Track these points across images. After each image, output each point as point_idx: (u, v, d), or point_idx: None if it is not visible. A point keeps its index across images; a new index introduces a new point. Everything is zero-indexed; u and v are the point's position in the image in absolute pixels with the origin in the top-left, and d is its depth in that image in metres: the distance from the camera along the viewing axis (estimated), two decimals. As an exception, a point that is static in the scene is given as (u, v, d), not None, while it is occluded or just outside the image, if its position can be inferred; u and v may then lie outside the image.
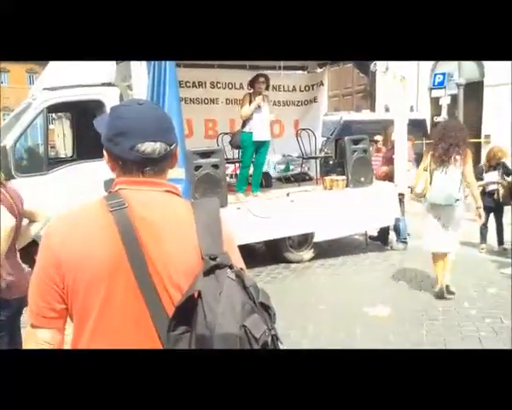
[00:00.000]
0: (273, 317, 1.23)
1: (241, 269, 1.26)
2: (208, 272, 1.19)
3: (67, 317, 1.28)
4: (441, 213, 4.81)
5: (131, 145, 1.24)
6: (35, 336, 1.26)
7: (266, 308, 1.21)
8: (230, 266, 1.22)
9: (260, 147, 6.33)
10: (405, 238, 7.27)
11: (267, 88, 6.50)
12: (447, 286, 5.00)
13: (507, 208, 6.89)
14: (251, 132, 6.22)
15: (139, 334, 1.23)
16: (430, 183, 4.76)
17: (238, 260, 1.34)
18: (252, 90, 6.42)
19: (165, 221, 1.26)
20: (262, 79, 6.34)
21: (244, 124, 6.35)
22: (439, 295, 5.01)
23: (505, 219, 7.02)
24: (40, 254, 1.26)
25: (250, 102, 6.25)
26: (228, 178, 7.07)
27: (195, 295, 1.16)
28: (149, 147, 1.25)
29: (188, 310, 1.16)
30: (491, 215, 6.82)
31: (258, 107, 6.21)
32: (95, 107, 5.70)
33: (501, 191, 6.46)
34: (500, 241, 6.89)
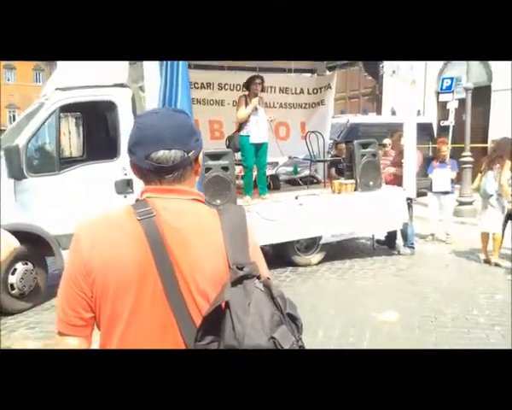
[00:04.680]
0: (300, 328, 1.23)
1: (268, 279, 1.27)
2: (236, 282, 1.19)
3: (94, 325, 1.29)
4: (484, 203, 6.60)
5: (146, 154, 1.25)
6: (63, 344, 1.26)
7: (294, 319, 1.22)
8: (258, 277, 1.23)
9: (259, 149, 6.31)
10: (413, 243, 7.26)
11: (262, 90, 6.47)
12: (496, 263, 6.54)
13: None
14: (248, 135, 6.21)
15: (166, 342, 1.24)
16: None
17: (264, 270, 1.34)
18: (247, 92, 6.37)
19: (193, 229, 1.27)
20: (258, 81, 6.29)
21: (240, 127, 6.32)
22: (485, 262, 6.70)
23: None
24: (69, 258, 1.27)
25: (246, 104, 6.22)
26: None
27: (223, 305, 1.17)
28: (163, 155, 1.25)
29: (215, 320, 1.16)
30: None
31: (255, 109, 6.19)
32: (106, 107, 5.72)
33: None
34: None
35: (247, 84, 6.38)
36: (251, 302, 1.16)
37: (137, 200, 1.32)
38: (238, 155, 7.05)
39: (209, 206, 1.36)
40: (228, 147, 6.76)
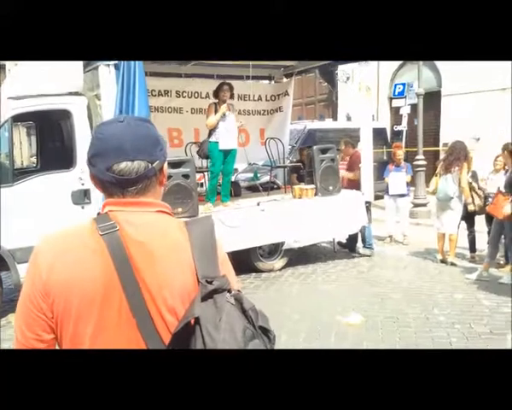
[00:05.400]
0: (273, 340, 1.21)
1: (239, 291, 1.24)
2: (206, 296, 1.15)
3: (56, 346, 1.22)
4: (443, 205, 6.70)
5: (107, 166, 1.19)
6: None
7: (266, 332, 1.19)
8: (229, 290, 1.20)
9: (227, 156, 6.34)
10: (371, 244, 7.43)
11: (231, 96, 6.51)
12: (452, 262, 6.75)
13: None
14: (217, 142, 6.23)
15: None
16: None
17: (235, 282, 1.31)
18: (216, 100, 6.41)
19: (159, 243, 1.21)
20: (226, 88, 6.36)
21: (210, 133, 6.34)
22: (442, 262, 6.87)
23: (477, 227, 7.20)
24: (27, 274, 1.19)
25: (215, 111, 6.25)
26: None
27: (192, 321, 1.12)
28: (126, 167, 1.19)
29: (184, 337, 1.12)
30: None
31: (224, 115, 6.22)
32: (61, 116, 5.55)
33: (476, 200, 6.55)
34: (472, 249, 7.02)
35: (216, 92, 6.43)
36: (222, 318, 1.12)
37: (99, 214, 1.26)
38: (199, 163, 7.03)
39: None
40: (198, 153, 6.73)
